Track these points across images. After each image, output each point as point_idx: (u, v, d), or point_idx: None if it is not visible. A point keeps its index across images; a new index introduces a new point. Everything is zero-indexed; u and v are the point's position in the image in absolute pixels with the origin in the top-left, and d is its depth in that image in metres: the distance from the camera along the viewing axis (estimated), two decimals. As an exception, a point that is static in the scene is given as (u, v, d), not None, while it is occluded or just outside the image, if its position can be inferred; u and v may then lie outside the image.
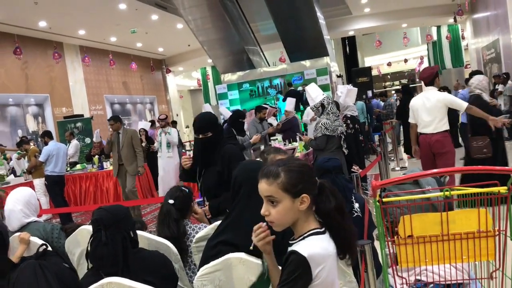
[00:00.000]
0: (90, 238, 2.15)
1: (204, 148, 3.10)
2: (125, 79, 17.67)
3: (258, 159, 3.36)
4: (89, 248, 2.14)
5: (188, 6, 12.26)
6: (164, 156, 8.53)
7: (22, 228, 3.02)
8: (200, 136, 3.08)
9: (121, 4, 11.76)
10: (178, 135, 11.62)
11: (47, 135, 7.93)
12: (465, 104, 4.90)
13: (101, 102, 16.15)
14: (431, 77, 5.03)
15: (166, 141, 8.49)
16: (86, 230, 2.76)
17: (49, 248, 2.49)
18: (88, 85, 15.53)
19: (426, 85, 5.12)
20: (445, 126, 4.97)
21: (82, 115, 13.63)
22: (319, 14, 13.10)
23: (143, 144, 10.51)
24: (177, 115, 21.21)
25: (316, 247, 1.46)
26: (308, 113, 8.26)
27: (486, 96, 5.39)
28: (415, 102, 5.13)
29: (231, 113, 8.68)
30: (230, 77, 14.47)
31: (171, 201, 2.82)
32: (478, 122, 5.10)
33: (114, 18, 12.87)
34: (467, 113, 5.28)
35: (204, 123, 3.11)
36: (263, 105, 8.80)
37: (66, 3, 10.88)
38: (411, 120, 5.20)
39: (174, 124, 14.11)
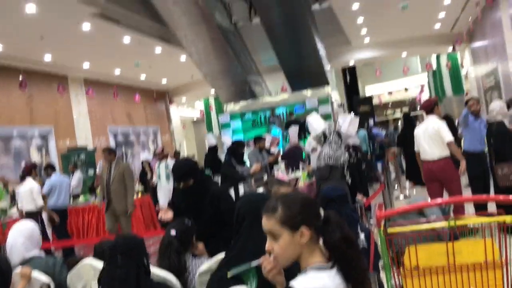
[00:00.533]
0: (105, 262, 2.18)
1: (187, 197, 3.01)
2: (129, 110, 17.83)
3: (260, 189, 3.35)
4: (101, 275, 2.16)
5: (191, 39, 12.47)
6: (165, 188, 8.38)
7: (23, 263, 2.99)
8: (182, 185, 2.99)
9: (125, 38, 11.99)
10: None
11: (50, 167, 7.97)
12: (448, 139, 5.10)
13: (105, 134, 16.25)
14: (430, 107, 5.31)
15: (166, 173, 8.38)
16: (88, 264, 2.73)
17: (52, 286, 2.48)
18: (92, 117, 15.66)
19: (427, 114, 5.36)
20: (445, 152, 5.10)
21: (86, 147, 13.69)
22: (319, 44, 13.31)
23: (148, 176, 10.53)
24: (180, 145, 21.28)
25: (313, 283, 1.41)
26: (310, 143, 8.28)
27: (507, 122, 5.38)
28: (417, 131, 5.37)
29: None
30: (233, 107, 14.60)
31: (173, 233, 2.79)
32: (504, 148, 5.10)
33: (118, 52, 13.09)
34: (486, 140, 5.37)
35: (183, 171, 3.02)
36: (262, 135, 8.84)
37: (71, 38, 11.09)
38: (416, 148, 5.40)
39: (177, 155, 14.15)
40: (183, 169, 3.04)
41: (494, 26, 13.56)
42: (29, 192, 6.88)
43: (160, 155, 8.71)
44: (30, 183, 7.02)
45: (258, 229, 1.90)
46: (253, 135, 13.45)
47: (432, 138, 5.16)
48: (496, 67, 13.95)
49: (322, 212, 1.50)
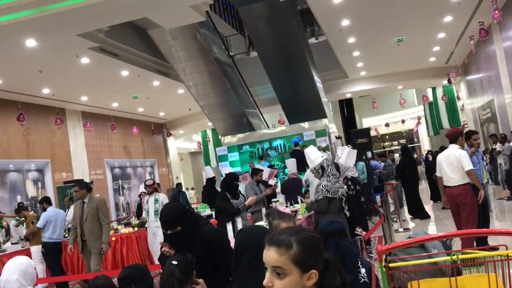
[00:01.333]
0: None
1: (176, 244, 2.91)
2: (126, 143, 17.84)
3: (258, 223, 3.30)
4: None
5: (189, 73, 12.63)
6: (153, 225, 7.81)
7: (16, 300, 2.90)
8: (169, 232, 2.90)
9: (123, 71, 12.11)
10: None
11: (45, 201, 7.87)
12: (467, 168, 5.34)
13: (102, 167, 16.19)
14: (454, 135, 5.63)
15: (154, 209, 7.81)
16: (82, 302, 2.67)
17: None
18: (89, 150, 15.64)
19: (450, 142, 5.69)
20: (465, 179, 5.39)
21: (82, 180, 13.60)
22: (316, 78, 13.48)
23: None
24: (177, 177, 21.20)
25: None
26: (308, 175, 8.26)
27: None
28: (440, 158, 5.70)
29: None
30: (230, 139, 14.64)
31: (174, 262, 2.73)
32: None
33: (116, 85, 13.20)
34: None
35: (170, 217, 2.90)
36: (259, 168, 8.76)
37: (69, 71, 11.19)
38: (437, 173, 5.73)
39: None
40: (169, 216, 2.91)
41: (488, 59, 13.78)
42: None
43: (150, 189, 8.00)
44: None
45: (258, 265, 1.85)
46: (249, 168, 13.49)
47: (453, 165, 5.43)
48: (492, 99, 14.09)
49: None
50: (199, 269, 2.87)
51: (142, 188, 10.50)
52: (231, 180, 6.21)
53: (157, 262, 7.35)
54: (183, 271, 2.72)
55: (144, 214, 8.25)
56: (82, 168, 15.11)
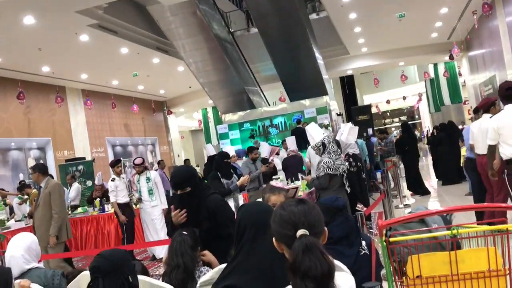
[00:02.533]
0: (88, 285, 2.11)
1: (185, 204, 3.01)
2: (127, 121, 17.83)
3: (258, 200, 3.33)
4: None
5: (189, 50, 12.52)
6: (148, 205, 7.42)
7: (22, 275, 2.96)
8: (179, 192, 3.01)
9: (123, 48, 12.02)
10: (166, 177, 11.47)
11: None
12: (489, 141, 4.88)
13: (103, 145, 16.23)
14: (487, 106, 5.58)
15: (148, 188, 7.37)
16: (87, 276, 2.70)
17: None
18: (90, 128, 15.65)
19: (484, 112, 5.67)
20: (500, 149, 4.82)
21: (84, 158, 13.66)
22: (317, 54, 13.36)
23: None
24: (178, 155, 21.26)
25: None
26: (309, 153, 8.28)
27: None
28: (473, 126, 5.77)
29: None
30: (231, 117, 14.61)
31: (185, 233, 2.78)
32: None
33: (116, 62, 13.12)
34: None
35: (181, 178, 3.03)
36: (255, 146, 8.73)
37: (69, 49, 11.11)
38: (471, 141, 5.79)
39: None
40: (181, 177, 3.03)
41: (491, 35, 13.63)
42: None
43: (140, 168, 7.43)
44: None
45: (260, 240, 1.88)
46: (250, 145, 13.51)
47: (484, 135, 5.24)
48: (494, 75, 14.00)
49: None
50: (204, 237, 2.93)
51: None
52: (222, 158, 6.16)
53: (152, 239, 7.34)
54: (193, 240, 2.79)
55: (136, 195, 7.71)
56: (83, 146, 15.14)
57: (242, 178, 6.15)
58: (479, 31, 14.36)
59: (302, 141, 9.67)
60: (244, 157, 10.10)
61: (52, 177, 7.90)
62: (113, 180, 7.57)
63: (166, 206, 7.25)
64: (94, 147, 15.72)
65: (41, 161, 13.28)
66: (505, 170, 4.75)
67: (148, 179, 7.39)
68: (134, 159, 7.70)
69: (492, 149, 4.84)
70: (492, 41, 13.60)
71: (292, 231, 1.40)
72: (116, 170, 7.65)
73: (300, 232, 1.39)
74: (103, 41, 11.04)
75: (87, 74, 13.92)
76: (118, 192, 7.48)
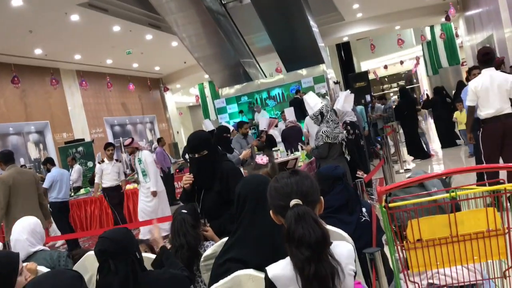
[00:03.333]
0: (98, 268, 2.13)
1: (201, 167, 3.05)
2: (124, 100, 17.75)
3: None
4: (98, 278, 2.12)
5: (182, 24, 12.34)
6: (143, 187, 7.14)
7: (28, 258, 3.00)
8: (196, 156, 3.03)
9: (115, 27, 11.86)
10: (166, 154, 11.42)
11: (49, 161, 7.95)
12: (468, 102, 5.00)
13: (101, 125, 16.20)
14: (498, 62, 5.43)
15: (140, 170, 7.08)
16: (93, 256, 2.73)
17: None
18: (87, 109, 15.60)
19: (496, 68, 5.16)
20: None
21: (83, 139, 13.66)
22: (312, 22, 13.17)
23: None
24: (177, 132, 21.25)
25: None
26: (307, 123, 8.25)
27: None
28: (483, 84, 4.92)
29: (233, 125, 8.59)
30: (228, 91, 14.53)
31: (184, 211, 2.81)
32: None
33: (108, 41, 12.97)
34: None
35: (198, 141, 3.07)
36: (245, 121, 8.65)
37: (60, 30, 10.97)
38: (470, 103, 5.07)
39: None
40: (198, 140, 3.08)
41: (487, -7, 13.43)
42: None
43: (129, 148, 7.08)
44: None
45: (260, 212, 1.89)
46: (249, 118, 13.49)
47: (503, 90, 4.85)
48: (491, 34, 13.84)
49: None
50: (215, 200, 2.99)
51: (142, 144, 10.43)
52: (221, 133, 6.14)
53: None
54: (194, 217, 2.82)
55: (135, 176, 7.49)
56: (82, 127, 15.13)
57: (244, 152, 6.16)
58: (475, -10, 14.13)
59: (301, 112, 9.63)
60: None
61: (53, 162, 7.91)
62: (99, 162, 7.64)
63: (155, 189, 6.97)
64: (93, 128, 15.70)
65: (41, 145, 13.30)
66: (480, 129, 4.96)
67: (140, 161, 7.08)
68: (125, 140, 7.63)
69: (471, 109, 5.00)
70: (489, -1, 13.40)
71: (286, 201, 1.42)
72: (106, 153, 7.62)
73: (293, 202, 1.41)
74: (94, 20, 10.89)
75: (80, 55, 13.78)
76: (104, 176, 7.52)
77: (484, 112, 4.87)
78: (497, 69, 4.97)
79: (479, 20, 15.29)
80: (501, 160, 5.06)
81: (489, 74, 4.84)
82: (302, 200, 1.41)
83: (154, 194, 7.02)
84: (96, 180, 7.65)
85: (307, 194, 1.45)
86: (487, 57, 4.91)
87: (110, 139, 16.35)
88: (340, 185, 2.86)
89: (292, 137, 8.34)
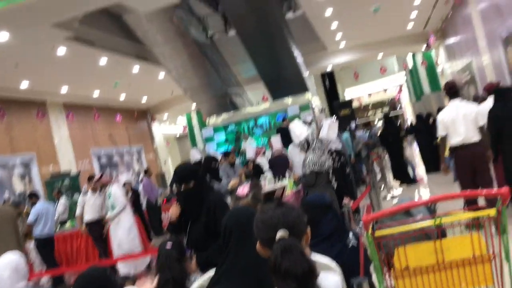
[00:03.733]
0: None
1: (188, 198, 3.05)
2: (111, 131, 17.69)
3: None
4: None
5: (168, 56, 12.48)
6: (114, 222, 6.96)
7: (12, 296, 2.93)
8: (183, 187, 3.03)
9: (102, 59, 11.93)
10: (153, 185, 11.24)
11: (34, 196, 7.86)
12: (439, 132, 5.25)
13: (88, 157, 16.08)
14: (490, 90, 5.57)
15: (111, 204, 6.91)
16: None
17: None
18: (74, 141, 15.49)
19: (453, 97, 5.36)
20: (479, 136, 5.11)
21: (69, 172, 13.52)
22: (296, 52, 13.43)
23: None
24: (165, 162, 21.16)
25: None
26: (290, 151, 8.33)
27: None
28: (450, 115, 5.20)
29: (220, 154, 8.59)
30: (215, 120, 14.59)
31: (169, 245, 2.78)
32: None
33: (95, 73, 13.01)
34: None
35: (185, 172, 3.08)
36: (231, 150, 8.66)
37: (47, 63, 11.00)
38: (442, 132, 5.30)
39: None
40: (185, 171, 3.09)
41: (465, 22, 13.84)
42: None
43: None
44: None
45: (247, 244, 1.89)
46: (238, 147, 13.51)
47: (469, 120, 5.14)
48: (471, 61, 14.21)
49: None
50: (202, 232, 2.97)
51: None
52: (209, 162, 6.13)
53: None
54: (179, 251, 2.79)
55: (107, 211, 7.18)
56: (68, 160, 14.99)
57: (232, 181, 6.16)
58: (453, 20, 14.57)
59: (287, 140, 9.69)
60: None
61: (38, 196, 7.78)
62: (84, 194, 7.46)
63: (109, 215, 6.85)
64: (79, 159, 15.57)
65: (27, 178, 13.13)
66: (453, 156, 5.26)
67: (110, 195, 6.93)
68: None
69: (443, 139, 5.28)
70: (466, 28, 13.80)
71: (272, 233, 1.43)
72: (89, 185, 7.40)
73: (279, 233, 1.41)
74: (81, 52, 10.95)
75: (67, 88, 13.78)
76: (86, 208, 7.26)
77: (453, 140, 5.12)
78: (457, 95, 5.22)
79: (458, 48, 15.72)
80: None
81: (455, 105, 5.12)
82: (288, 231, 1.42)
83: (108, 219, 6.84)
84: (77, 213, 7.37)
85: (293, 225, 1.46)
86: (452, 90, 5.21)
87: (97, 170, 16.21)
88: (329, 213, 2.87)
89: (279, 165, 8.36)
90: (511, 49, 10.49)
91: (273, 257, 1.36)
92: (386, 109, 30.48)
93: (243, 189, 3.41)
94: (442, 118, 5.21)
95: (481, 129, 5.04)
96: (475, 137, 5.02)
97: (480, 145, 5.04)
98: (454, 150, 5.17)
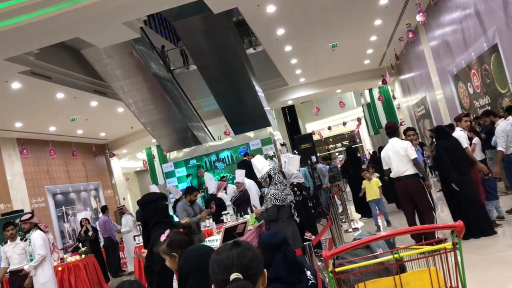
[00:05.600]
0: None
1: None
2: (67, 167, 17.16)
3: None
4: None
5: (128, 90, 12.36)
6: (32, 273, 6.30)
7: None
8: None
9: (59, 94, 11.67)
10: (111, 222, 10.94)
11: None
12: (413, 156, 5.72)
13: (43, 194, 15.47)
14: (394, 128, 6.04)
15: (29, 252, 6.31)
16: None
17: None
18: (28, 178, 14.90)
19: (391, 136, 6.01)
20: (414, 169, 5.74)
21: (22, 211, 12.93)
22: (257, 87, 13.60)
23: (89, 233, 10.05)
24: (123, 198, 20.62)
25: None
26: (248, 187, 8.31)
27: None
28: (386, 151, 5.98)
29: (180, 192, 8.42)
30: (176, 154, 14.44)
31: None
32: None
33: (52, 108, 12.69)
34: None
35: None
36: (195, 187, 8.53)
37: (0, 97, 10.65)
38: (385, 166, 6.06)
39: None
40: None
41: (418, 58, 14.48)
42: None
43: (27, 224, 6.38)
44: None
45: (205, 284, 1.82)
46: (198, 181, 13.37)
47: (399, 155, 5.80)
48: (425, 96, 14.79)
49: None
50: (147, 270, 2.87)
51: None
52: (158, 201, 5.97)
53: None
54: None
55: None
56: (21, 198, 14.36)
57: (203, 213, 6.13)
58: (407, 56, 15.21)
59: (249, 174, 9.65)
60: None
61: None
62: (2, 244, 6.91)
63: (27, 267, 6.27)
64: (33, 197, 14.94)
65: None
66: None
67: (29, 242, 6.34)
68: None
69: (388, 172, 6.02)
70: (420, 64, 14.43)
71: (226, 275, 1.37)
72: (6, 234, 6.73)
73: (232, 276, 1.36)
74: (37, 87, 10.67)
75: (21, 122, 13.34)
76: (8, 259, 6.66)
77: (392, 173, 5.91)
78: (394, 134, 5.95)
79: (412, 83, 16.37)
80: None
81: (392, 143, 5.89)
82: (242, 274, 1.36)
83: (26, 272, 6.29)
84: (2, 264, 6.77)
85: (248, 267, 1.40)
86: (390, 130, 6.02)
87: (52, 208, 15.60)
88: (279, 252, 2.76)
89: (243, 202, 8.27)
90: (462, 84, 11.00)
91: None
92: (346, 142, 31.12)
93: (164, 234, 3.33)
94: (382, 155, 6.04)
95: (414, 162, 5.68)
96: (407, 170, 5.69)
97: (412, 176, 5.68)
98: (394, 181, 5.91)
